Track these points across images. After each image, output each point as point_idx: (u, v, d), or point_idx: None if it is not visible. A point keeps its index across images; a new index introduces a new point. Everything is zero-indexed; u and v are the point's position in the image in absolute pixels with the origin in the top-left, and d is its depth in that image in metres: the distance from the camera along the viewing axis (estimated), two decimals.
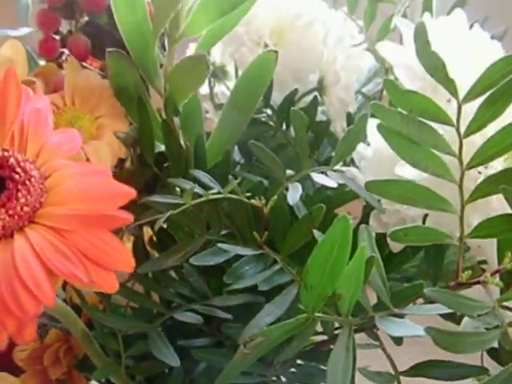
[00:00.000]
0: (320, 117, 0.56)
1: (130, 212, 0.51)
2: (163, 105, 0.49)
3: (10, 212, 0.31)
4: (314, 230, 0.41)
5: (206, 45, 0.49)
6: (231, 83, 0.60)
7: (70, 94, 0.48)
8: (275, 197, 0.46)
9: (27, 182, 0.32)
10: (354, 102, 0.56)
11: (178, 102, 0.47)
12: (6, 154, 0.33)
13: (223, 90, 0.61)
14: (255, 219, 0.48)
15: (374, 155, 0.46)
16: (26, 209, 0.32)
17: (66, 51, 0.52)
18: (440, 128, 0.41)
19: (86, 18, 0.53)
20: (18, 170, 0.33)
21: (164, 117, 0.50)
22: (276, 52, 0.50)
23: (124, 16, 0.48)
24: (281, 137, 0.56)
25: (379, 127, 0.40)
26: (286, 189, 0.46)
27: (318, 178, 0.44)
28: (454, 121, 0.40)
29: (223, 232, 0.49)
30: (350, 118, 0.54)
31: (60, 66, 0.52)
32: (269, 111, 0.56)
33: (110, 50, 0.47)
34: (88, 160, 0.46)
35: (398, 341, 0.47)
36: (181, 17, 0.46)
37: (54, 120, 0.45)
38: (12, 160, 0.33)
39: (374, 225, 0.45)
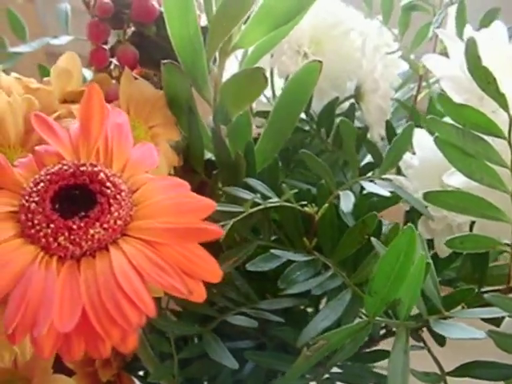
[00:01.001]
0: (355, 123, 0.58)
1: None
2: (213, 114, 0.51)
3: (105, 226, 0.33)
4: (373, 239, 0.43)
5: (255, 57, 0.51)
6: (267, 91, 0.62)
7: (125, 104, 0.49)
8: (326, 204, 0.48)
9: (118, 196, 0.34)
10: (390, 109, 0.58)
11: (231, 113, 0.49)
12: (95, 169, 0.35)
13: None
14: (304, 225, 0.50)
15: (421, 164, 0.48)
16: (119, 222, 0.34)
17: (114, 60, 0.54)
18: (490, 140, 0.43)
19: (133, 28, 0.54)
20: (109, 184, 0.34)
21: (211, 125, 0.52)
22: (320, 62, 0.52)
23: (177, 29, 0.49)
24: (318, 144, 0.57)
25: (436, 140, 0.42)
26: (336, 196, 0.48)
27: (370, 187, 0.46)
28: (506, 133, 0.42)
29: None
30: (388, 126, 0.56)
31: (110, 76, 0.53)
32: (307, 118, 0.58)
33: (164, 61, 0.49)
34: None
35: (441, 342, 0.49)
36: (234, 30, 0.48)
37: None
38: (102, 175, 0.35)
39: (422, 230, 0.47)
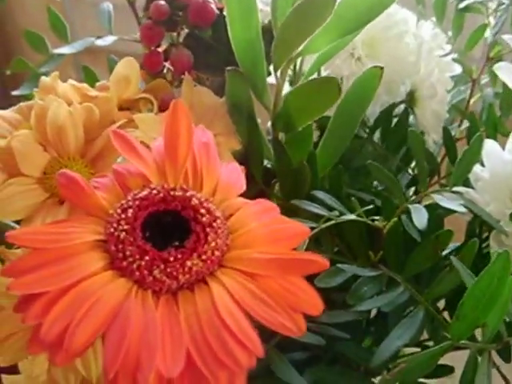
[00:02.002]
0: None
1: None
2: (272, 121, 0.48)
3: (203, 257, 0.30)
4: (454, 259, 0.40)
5: (318, 64, 0.48)
6: None
7: None
8: (395, 219, 0.45)
9: (214, 224, 0.31)
10: (446, 115, 0.55)
11: (297, 123, 0.46)
12: (187, 193, 0.32)
13: None
14: (368, 237, 0.47)
15: (491, 176, 0.45)
16: (216, 253, 0.30)
17: (167, 64, 0.51)
18: None
19: (187, 31, 0.51)
20: (203, 210, 0.31)
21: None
22: (382, 68, 0.48)
23: (238, 33, 0.46)
24: (371, 150, 0.54)
25: None
26: (404, 210, 0.45)
27: (442, 201, 0.43)
28: None
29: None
30: (446, 133, 0.53)
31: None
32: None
33: (229, 68, 0.46)
34: None
35: (507, 359, 0.47)
36: None
37: None
38: (195, 200, 0.31)
39: (493, 245, 0.45)
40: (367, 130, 0.54)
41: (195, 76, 0.52)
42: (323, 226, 0.42)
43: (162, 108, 0.48)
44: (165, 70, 0.51)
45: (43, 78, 0.45)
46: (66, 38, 0.58)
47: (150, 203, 0.31)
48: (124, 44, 0.56)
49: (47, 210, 0.41)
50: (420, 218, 0.43)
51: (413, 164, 0.55)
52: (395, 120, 0.55)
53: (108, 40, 0.56)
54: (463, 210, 0.43)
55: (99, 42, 0.55)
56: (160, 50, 0.50)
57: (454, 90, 0.59)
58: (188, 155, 0.33)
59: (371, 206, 0.48)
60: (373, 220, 0.44)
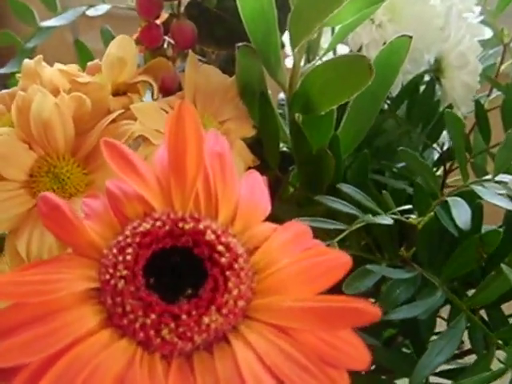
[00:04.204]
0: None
1: None
2: (289, 101, 0.39)
3: (223, 311, 0.22)
4: (504, 267, 0.32)
5: (341, 35, 0.39)
6: None
7: (191, 95, 0.37)
8: (431, 214, 0.36)
9: (235, 265, 0.23)
10: (478, 86, 0.46)
11: (320, 106, 0.37)
12: (200, 225, 0.23)
13: None
14: (399, 232, 0.39)
15: None
16: (240, 303, 0.22)
17: (168, 38, 0.42)
18: None
19: None
20: (220, 248, 0.23)
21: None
22: (410, 37, 0.40)
23: (249, 2, 0.37)
24: (394, 125, 0.46)
25: None
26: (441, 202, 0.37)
27: (489, 196, 0.35)
28: None
29: None
30: (478, 107, 0.44)
31: (164, 57, 0.41)
32: None
33: (239, 44, 0.37)
34: None
35: None
36: None
37: None
38: (210, 234, 0.23)
39: None
40: (389, 103, 0.46)
41: (199, 49, 0.43)
42: (354, 227, 0.34)
43: (164, 89, 0.39)
44: (165, 45, 0.41)
45: (26, 61, 0.36)
46: (55, 7, 0.48)
47: (153, 239, 0.23)
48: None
49: (35, 220, 0.32)
50: (462, 214, 0.35)
51: (440, 139, 0.46)
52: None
53: (101, 9, 0.46)
54: (511, 207, 0.34)
55: (91, 12, 0.46)
56: (159, 22, 0.41)
57: (481, 54, 0.49)
58: (199, 172, 0.24)
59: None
60: (407, 217, 0.36)
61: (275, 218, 0.40)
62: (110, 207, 0.24)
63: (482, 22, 0.47)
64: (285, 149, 0.42)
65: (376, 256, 0.39)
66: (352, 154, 0.42)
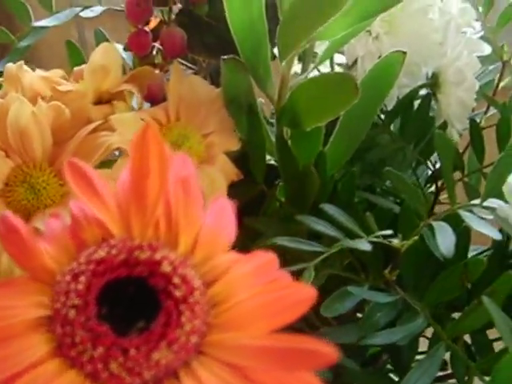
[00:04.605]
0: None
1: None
2: (277, 115, 0.38)
3: (175, 347, 0.21)
4: (486, 300, 0.31)
5: (332, 49, 0.38)
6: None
7: (175, 106, 0.36)
8: (415, 237, 0.35)
9: (190, 299, 0.22)
10: (474, 103, 0.44)
11: (305, 123, 0.36)
12: (156, 255, 0.22)
13: None
14: (383, 253, 0.38)
15: None
16: (193, 339, 0.21)
17: (158, 45, 0.41)
18: None
19: (180, 5, 0.40)
20: (176, 280, 0.22)
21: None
22: (404, 53, 0.39)
23: (237, 12, 0.36)
24: (388, 140, 0.44)
25: None
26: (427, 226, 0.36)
27: (475, 223, 0.34)
28: None
29: None
30: (473, 126, 0.43)
31: (152, 64, 0.40)
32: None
33: (225, 57, 0.36)
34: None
35: None
36: None
37: None
38: (166, 265, 0.22)
39: None
40: (383, 117, 0.44)
41: (190, 58, 0.42)
42: (333, 250, 0.33)
43: (149, 97, 0.38)
44: (154, 52, 0.40)
45: (8, 65, 0.35)
46: (50, 6, 0.47)
47: (107, 268, 0.22)
48: None
49: None
50: (446, 240, 0.33)
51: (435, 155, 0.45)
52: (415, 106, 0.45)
53: (96, 11, 0.46)
54: (499, 236, 0.33)
55: (86, 14, 0.45)
56: (148, 28, 0.40)
57: (480, 70, 0.48)
58: (160, 198, 0.23)
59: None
60: (390, 240, 0.35)
61: (259, 233, 0.39)
62: (69, 230, 0.23)
63: (482, 37, 0.46)
64: (272, 162, 0.40)
65: (360, 276, 0.38)
66: (344, 167, 0.41)
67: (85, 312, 0.21)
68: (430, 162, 0.44)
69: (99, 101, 0.37)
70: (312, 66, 0.41)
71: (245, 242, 0.38)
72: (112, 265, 0.22)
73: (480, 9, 0.46)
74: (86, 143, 0.33)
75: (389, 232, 0.33)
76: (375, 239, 0.34)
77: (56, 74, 0.37)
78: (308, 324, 0.37)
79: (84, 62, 0.45)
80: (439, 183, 0.44)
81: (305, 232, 0.38)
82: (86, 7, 0.46)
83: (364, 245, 0.32)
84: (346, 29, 0.35)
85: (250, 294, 0.22)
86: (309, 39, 0.34)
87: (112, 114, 0.36)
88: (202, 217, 0.24)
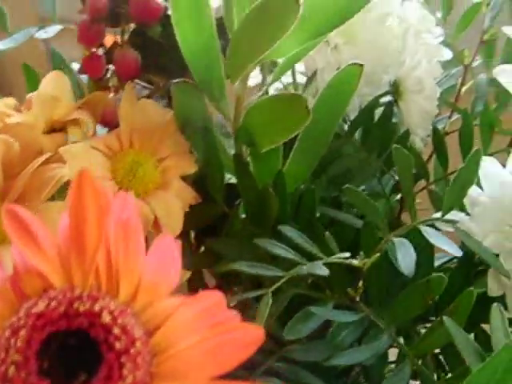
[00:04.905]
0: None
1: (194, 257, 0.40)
2: (234, 134, 0.38)
3: None
4: (446, 319, 0.30)
5: (286, 67, 0.37)
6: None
7: (128, 132, 0.35)
8: (377, 255, 0.35)
9: (131, 350, 0.21)
10: (436, 110, 0.44)
11: (261, 144, 0.35)
12: (95, 306, 0.22)
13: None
14: (346, 271, 0.37)
15: (493, 203, 0.35)
16: None
17: (111, 66, 0.40)
18: None
19: (133, 25, 0.40)
20: (116, 330, 0.21)
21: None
22: (361, 66, 0.38)
23: (188, 35, 0.35)
24: (350, 150, 0.44)
25: None
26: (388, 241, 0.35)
27: (436, 240, 0.33)
28: None
29: None
30: (436, 134, 0.42)
31: (106, 87, 0.39)
32: None
33: (176, 81, 0.35)
34: (156, 219, 0.34)
35: None
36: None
37: (111, 169, 0.34)
38: (106, 316, 0.22)
39: (492, 286, 0.35)
40: (345, 128, 0.44)
41: (146, 78, 0.41)
42: (291, 275, 0.32)
43: (104, 123, 0.38)
44: (109, 74, 0.40)
45: None
46: (5, 26, 0.46)
47: (47, 321, 0.21)
48: None
49: None
50: (406, 258, 0.33)
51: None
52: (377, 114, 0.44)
53: (51, 31, 0.45)
54: (459, 253, 0.33)
55: (40, 34, 0.44)
56: (102, 51, 0.39)
57: (442, 75, 0.47)
58: (99, 245, 0.22)
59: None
60: (350, 259, 0.34)
61: (220, 255, 0.38)
62: (10, 281, 0.23)
63: (442, 42, 0.45)
64: (233, 180, 0.40)
65: (324, 294, 0.37)
66: (307, 180, 0.41)
67: (25, 368, 0.21)
68: (395, 171, 0.44)
69: (52, 129, 0.36)
70: (269, 79, 0.40)
71: (206, 265, 0.38)
72: (52, 318, 0.21)
73: (439, 14, 0.46)
74: (36, 176, 0.32)
75: (347, 254, 0.33)
76: (335, 260, 0.33)
77: (7, 103, 0.36)
78: (275, 339, 0.37)
79: None
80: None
81: (267, 252, 0.37)
82: (42, 27, 0.45)
83: (321, 269, 0.31)
84: (300, 45, 0.34)
85: (194, 341, 0.22)
86: (258, 60, 0.33)
87: (64, 142, 0.35)
88: (144, 262, 0.23)
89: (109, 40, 0.40)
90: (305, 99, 0.32)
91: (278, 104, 0.33)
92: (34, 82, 0.44)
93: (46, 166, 0.33)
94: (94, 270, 0.22)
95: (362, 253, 0.35)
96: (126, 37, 0.39)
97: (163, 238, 0.25)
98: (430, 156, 0.46)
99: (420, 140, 0.44)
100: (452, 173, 0.43)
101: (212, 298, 0.24)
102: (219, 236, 0.39)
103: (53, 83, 0.35)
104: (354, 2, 0.32)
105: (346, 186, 0.36)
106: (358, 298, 0.37)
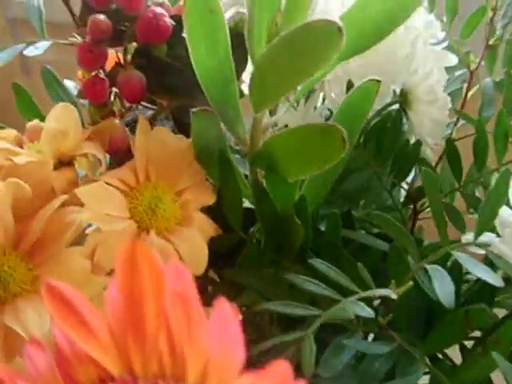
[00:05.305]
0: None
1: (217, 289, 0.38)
2: (250, 158, 0.35)
3: None
4: (495, 355, 0.29)
5: (308, 87, 0.35)
6: None
7: (144, 165, 0.32)
8: (410, 283, 0.33)
9: None
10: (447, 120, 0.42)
11: (289, 175, 0.33)
12: None
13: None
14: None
15: None
16: None
17: (114, 88, 0.37)
18: None
19: (135, 44, 0.36)
20: None
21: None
22: (378, 82, 0.36)
23: (203, 57, 0.33)
24: (360, 164, 0.42)
25: None
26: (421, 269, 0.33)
27: (473, 267, 0.32)
28: None
29: None
30: (450, 147, 0.40)
31: (109, 112, 0.36)
32: None
33: (195, 110, 0.32)
34: (180, 257, 0.32)
35: None
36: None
37: (129, 207, 0.31)
38: None
39: None
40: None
41: (149, 97, 0.38)
42: (331, 314, 0.30)
43: (112, 151, 0.35)
44: (111, 97, 0.36)
45: None
46: None
47: None
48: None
49: None
50: (445, 289, 0.31)
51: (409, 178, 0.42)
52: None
53: (41, 47, 0.41)
54: (501, 283, 0.31)
55: (30, 52, 0.40)
56: (103, 73, 0.35)
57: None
58: (160, 325, 0.20)
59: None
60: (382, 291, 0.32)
61: (235, 283, 0.36)
62: (58, 367, 0.20)
63: (447, 47, 0.43)
64: (247, 204, 0.37)
65: (352, 322, 0.35)
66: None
67: None
68: (406, 182, 0.42)
69: (59, 161, 0.33)
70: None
71: (228, 298, 0.36)
72: None
73: (444, 19, 0.43)
74: (53, 222, 0.29)
75: (385, 291, 0.31)
76: (371, 294, 0.31)
77: (9, 135, 0.33)
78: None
79: (33, 106, 0.41)
80: (418, 205, 0.42)
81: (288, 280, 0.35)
82: (30, 43, 0.41)
83: (365, 311, 0.29)
84: (333, 67, 0.32)
85: None
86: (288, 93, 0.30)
87: (74, 177, 0.32)
88: (209, 338, 0.21)
89: (109, 58, 0.37)
90: (341, 130, 0.29)
91: (310, 134, 0.31)
92: (24, 102, 0.41)
93: (62, 209, 0.30)
94: (156, 355, 0.20)
95: (393, 282, 0.33)
96: (129, 56, 0.36)
97: (220, 308, 0.22)
98: (436, 164, 0.44)
99: (431, 151, 0.42)
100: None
101: (281, 372, 0.21)
102: (234, 261, 0.37)
103: (60, 118, 0.31)
104: (393, 19, 0.30)
105: (375, 212, 0.33)
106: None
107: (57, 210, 0.29)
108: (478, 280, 0.35)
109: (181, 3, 0.37)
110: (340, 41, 0.26)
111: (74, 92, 0.42)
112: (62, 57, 0.43)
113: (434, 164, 0.44)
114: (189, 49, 0.32)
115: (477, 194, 0.44)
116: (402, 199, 0.44)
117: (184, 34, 0.34)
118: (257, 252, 0.36)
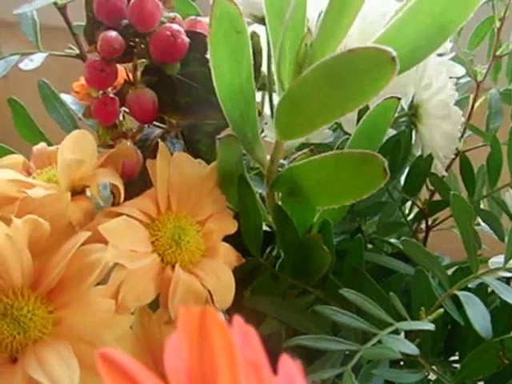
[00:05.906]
0: None
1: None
2: (269, 180, 0.33)
3: None
4: None
5: None
6: None
7: (165, 194, 0.30)
8: (440, 310, 0.31)
9: None
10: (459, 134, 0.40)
11: (321, 202, 0.31)
12: None
13: None
14: None
15: None
16: None
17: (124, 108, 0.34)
18: None
19: (144, 61, 0.33)
20: None
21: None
22: (399, 99, 0.34)
23: (226, 78, 0.30)
24: None
25: None
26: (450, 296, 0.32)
27: (506, 294, 0.30)
28: None
29: None
30: (464, 162, 0.39)
31: (120, 134, 0.33)
32: None
33: (221, 136, 0.30)
34: (210, 294, 0.29)
35: None
36: None
37: (152, 240, 0.28)
38: None
39: None
40: None
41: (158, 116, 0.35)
42: (369, 348, 0.28)
43: (125, 176, 0.32)
44: (121, 117, 0.33)
45: None
46: None
47: None
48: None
49: None
50: (480, 318, 0.30)
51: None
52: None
53: (36, 59, 0.38)
54: None
55: (25, 65, 0.37)
56: (112, 92, 0.33)
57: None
58: None
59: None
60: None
61: (250, 310, 0.34)
62: None
63: (454, 59, 0.42)
64: (264, 227, 0.35)
65: None
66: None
67: None
68: (420, 199, 0.40)
69: (72, 190, 0.30)
70: None
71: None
72: None
73: None
74: (75, 262, 0.26)
75: (424, 324, 0.29)
76: (409, 328, 0.29)
77: (16, 162, 0.30)
78: None
79: (29, 121, 0.38)
80: (429, 220, 0.40)
81: (309, 307, 0.33)
82: (24, 54, 0.38)
83: (407, 346, 0.27)
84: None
85: None
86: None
87: (91, 208, 0.29)
88: None
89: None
90: (382, 160, 0.27)
91: (346, 162, 0.28)
92: (21, 117, 0.38)
93: (83, 248, 0.27)
94: None
95: (422, 309, 0.31)
96: (139, 73, 0.33)
97: (285, 363, 0.20)
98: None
99: (442, 166, 0.40)
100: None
101: None
102: (246, 285, 0.35)
103: (77, 144, 0.29)
104: (430, 41, 0.28)
105: (404, 238, 0.31)
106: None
107: (77, 248, 0.26)
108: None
109: (192, 18, 0.35)
110: (393, 72, 0.24)
111: (72, 106, 0.39)
112: None
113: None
114: (211, 68, 0.30)
115: (482, 205, 0.43)
116: (406, 211, 0.42)
117: (199, 52, 0.31)
118: (273, 277, 0.34)
